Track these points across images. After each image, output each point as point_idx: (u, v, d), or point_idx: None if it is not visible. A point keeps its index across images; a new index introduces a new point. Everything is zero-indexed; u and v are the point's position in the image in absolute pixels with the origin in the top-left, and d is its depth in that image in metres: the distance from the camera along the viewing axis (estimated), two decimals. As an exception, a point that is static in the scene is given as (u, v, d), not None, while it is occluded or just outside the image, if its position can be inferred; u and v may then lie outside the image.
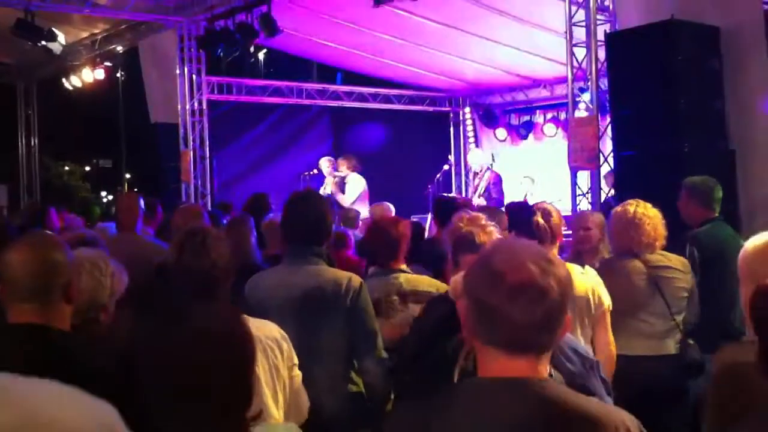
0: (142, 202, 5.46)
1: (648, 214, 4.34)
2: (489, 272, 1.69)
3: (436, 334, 2.87)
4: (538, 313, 1.65)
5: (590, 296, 3.94)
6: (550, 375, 2.54)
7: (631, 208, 4.35)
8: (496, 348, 1.69)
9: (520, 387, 1.67)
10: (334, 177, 10.70)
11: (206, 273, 2.79)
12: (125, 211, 5.37)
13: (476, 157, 11.68)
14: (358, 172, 10.76)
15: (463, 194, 14.03)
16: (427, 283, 3.96)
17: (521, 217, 4.06)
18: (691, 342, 4.31)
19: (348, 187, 10.55)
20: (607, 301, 4.01)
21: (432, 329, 2.98)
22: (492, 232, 3.26)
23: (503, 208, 6.13)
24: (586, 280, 3.98)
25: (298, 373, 2.96)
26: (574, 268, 3.98)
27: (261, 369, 2.77)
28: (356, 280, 3.42)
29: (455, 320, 2.76)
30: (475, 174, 11.44)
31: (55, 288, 2.42)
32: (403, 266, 4.07)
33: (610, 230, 4.49)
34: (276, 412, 2.86)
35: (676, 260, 4.42)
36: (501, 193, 10.97)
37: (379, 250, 4.10)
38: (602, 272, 4.33)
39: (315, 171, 11.24)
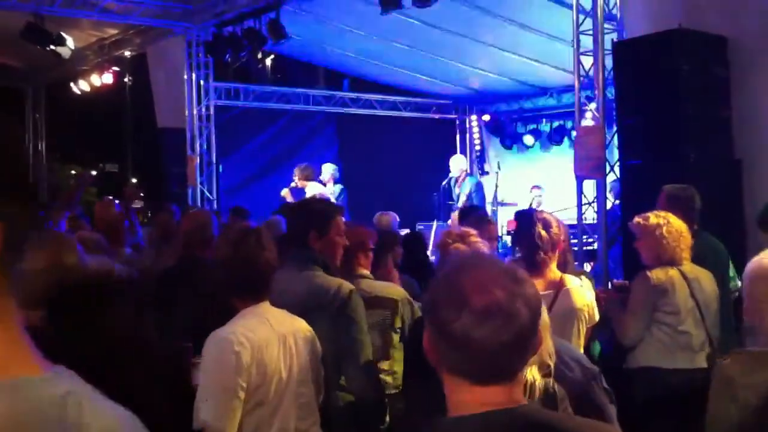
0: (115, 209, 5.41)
1: (680, 225, 4.36)
2: (452, 293, 1.55)
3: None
4: (507, 338, 1.51)
5: (589, 309, 3.94)
6: (553, 389, 2.54)
7: (674, 220, 4.34)
8: (463, 377, 1.57)
9: (499, 421, 1.54)
10: (289, 188, 10.66)
11: (263, 268, 2.93)
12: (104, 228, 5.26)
13: (456, 163, 11.46)
14: (316, 181, 10.70)
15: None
16: (388, 290, 3.97)
17: (523, 228, 4.06)
18: (718, 355, 4.31)
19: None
20: (597, 316, 4.02)
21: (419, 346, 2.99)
22: (480, 249, 3.25)
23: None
24: (586, 293, 3.99)
25: (322, 365, 3.12)
26: (572, 280, 3.98)
27: (309, 359, 2.96)
28: (346, 287, 3.43)
29: None
30: (456, 180, 11.24)
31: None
32: (364, 271, 4.08)
33: (649, 241, 4.41)
34: (316, 400, 3.04)
35: (704, 272, 4.44)
36: (483, 200, 10.88)
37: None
38: (645, 285, 4.32)
39: (320, 177, 11.26)
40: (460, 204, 10.74)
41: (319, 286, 3.43)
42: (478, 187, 11.08)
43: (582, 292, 3.93)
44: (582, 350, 3.90)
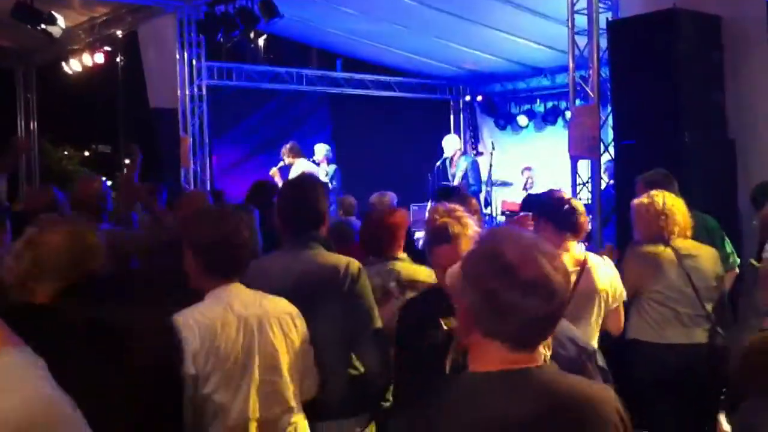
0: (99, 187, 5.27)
1: (676, 204, 4.40)
2: (500, 265, 1.68)
3: (424, 324, 2.86)
4: (549, 309, 1.68)
5: (611, 288, 3.94)
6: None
7: (659, 199, 4.39)
8: (498, 340, 1.71)
9: (520, 378, 1.69)
10: (278, 165, 10.72)
11: (241, 249, 2.89)
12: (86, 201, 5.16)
13: (449, 143, 11.41)
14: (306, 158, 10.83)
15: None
16: (425, 274, 3.92)
17: (555, 204, 4.06)
18: (719, 330, 4.34)
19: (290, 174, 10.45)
20: (624, 292, 4.02)
21: (420, 319, 2.98)
22: (468, 224, 3.26)
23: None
24: (609, 272, 3.98)
25: (310, 348, 3.04)
26: (595, 258, 3.98)
27: (279, 344, 2.86)
28: (354, 264, 3.41)
29: (448, 313, 2.76)
30: (450, 160, 11.24)
31: (88, 271, 2.50)
32: (401, 254, 4.10)
33: (636, 220, 4.50)
34: (291, 387, 2.93)
35: (705, 249, 4.46)
36: (478, 179, 10.88)
37: (376, 239, 4.13)
38: (633, 260, 4.36)
39: (314, 158, 11.26)
40: (455, 183, 10.74)
41: (327, 265, 3.39)
42: (474, 166, 11.06)
43: (604, 271, 3.93)
44: (596, 330, 3.90)
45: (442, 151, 11.53)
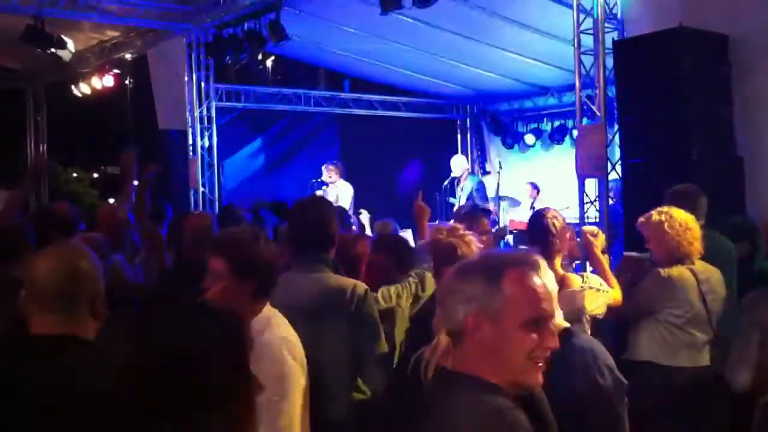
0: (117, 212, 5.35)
1: (688, 217, 4.32)
2: None
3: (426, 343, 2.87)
4: None
5: (587, 314, 3.88)
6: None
7: (677, 213, 4.30)
8: None
9: None
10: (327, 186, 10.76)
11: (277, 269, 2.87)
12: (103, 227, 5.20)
13: (457, 163, 11.53)
14: (344, 179, 10.86)
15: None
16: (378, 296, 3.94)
17: (536, 225, 4.07)
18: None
19: (341, 197, 10.54)
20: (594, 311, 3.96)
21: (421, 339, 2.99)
22: (471, 242, 3.29)
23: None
24: (585, 297, 3.89)
25: None
26: (574, 281, 3.93)
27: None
28: (361, 287, 3.42)
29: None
30: (458, 180, 11.30)
31: (81, 298, 2.34)
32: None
33: (651, 240, 4.39)
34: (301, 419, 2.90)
35: (714, 271, 4.38)
36: (485, 198, 10.92)
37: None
38: (655, 282, 4.29)
39: (322, 178, 11.29)
40: (461, 203, 10.78)
41: (333, 287, 3.41)
42: (480, 186, 11.09)
43: (581, 295, 3.89)
44: None
45: (449, 171, 11.53)
